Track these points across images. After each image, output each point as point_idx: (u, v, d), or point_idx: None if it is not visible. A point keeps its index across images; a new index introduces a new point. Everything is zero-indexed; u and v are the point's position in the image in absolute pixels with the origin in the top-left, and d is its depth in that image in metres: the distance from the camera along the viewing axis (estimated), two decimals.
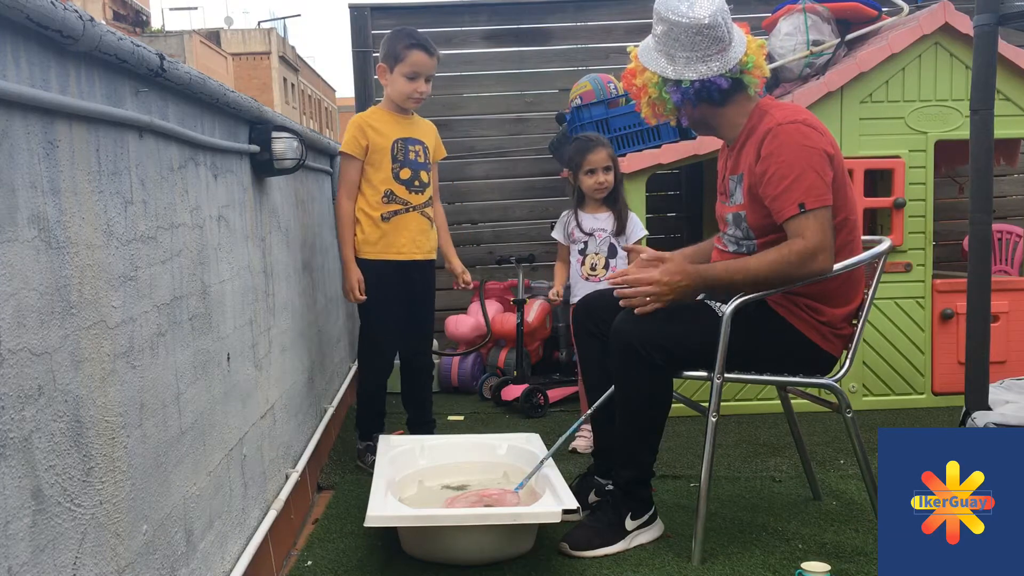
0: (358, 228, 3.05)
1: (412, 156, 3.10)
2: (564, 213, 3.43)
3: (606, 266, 3.28)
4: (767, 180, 2.22)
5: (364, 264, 3.06)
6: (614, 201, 3.29)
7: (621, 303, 2.28)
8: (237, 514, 2.02)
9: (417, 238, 3.11)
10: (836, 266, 2.26)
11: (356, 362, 3.24)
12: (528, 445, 2.80)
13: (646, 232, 3.33)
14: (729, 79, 2.27)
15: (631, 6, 5.04)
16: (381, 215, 3.04)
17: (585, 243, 3.31)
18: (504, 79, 5.15)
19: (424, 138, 3.15)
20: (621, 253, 3.27)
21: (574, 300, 3.34)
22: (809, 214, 2.18)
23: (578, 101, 3.99)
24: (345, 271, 3.07)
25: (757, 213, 2.30)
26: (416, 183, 3.10)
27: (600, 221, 3.29)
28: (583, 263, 3.32)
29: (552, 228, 4.27)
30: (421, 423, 3.29)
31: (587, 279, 3.31)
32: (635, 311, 2.27)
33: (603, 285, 3.16)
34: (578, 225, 3.33)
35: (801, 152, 2.20)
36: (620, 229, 3.26)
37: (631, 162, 3.73)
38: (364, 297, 3.06)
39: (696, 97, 2.30)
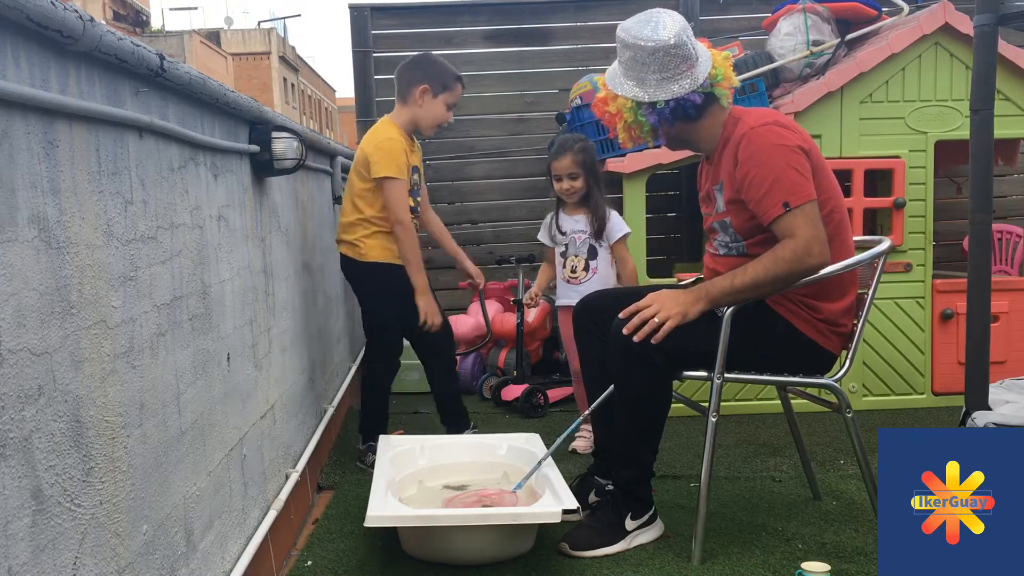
0: (384, 238, 3.05)
1: (417, 186, 3.18)
2: (548, 215, 3.40)
3: (586, 268, 3.26)
4: (748, 185, 2.24)
5: (397, 269, 3.06)
6: (589, 203, 3.26)
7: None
8: (237, 514, 2.02)
9: None
10: (835, 266, 2.27)
11: (362, 365, 3.21)
12: (528, 445, 2.80)
13: (628, 230, 3.27)
14: (701, 94, 2.31)
15: (632, 6, 5.03)
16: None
17: (566, 245, 3.31)
18: (504, 79, 5.15)
19: (420, 163, 3.23)
20: (602, 254, 3.25)
21: (559, 303, 3.34)
22: (795, 211, 2.19)
23: (578, 101, 3.99)
24: (426, 299, 3.04)
25: (740, 217, 2.32)
26: (416, 207, 3.18)
27: (579, 223, 3.28)
28: (564, 265, 3.32)
29: None
30: (459, 414, 3.27)
31: (568, 282, 3.30)
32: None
33: (585, 288, 3.14)
34: (558, 227, 3.32)
35: (777, 152, 2.22)
36: (599, 231, 3.24)
37: (631, 162, 3.73)
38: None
39: (672, 116, 2.32)
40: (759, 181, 2.22)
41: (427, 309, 3.05)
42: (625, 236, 3.24)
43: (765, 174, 2.22)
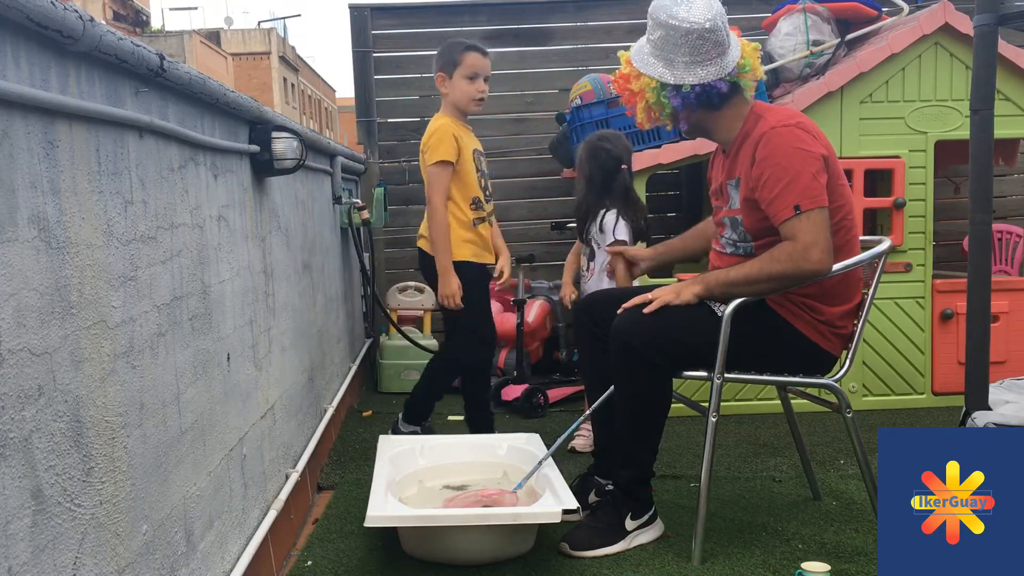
0: (452, 234, 3.05)
1: (485, 167, 3.20)
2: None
3: (587, 267, 3.31)
4: (763, 184, 2.23)
5: (466, 266, 3.08)
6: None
7: (623, 308, 2.30)
8: (237, 514, 2.02)
9: (488, 244, 3.21)
10: (836, 266, 2.26)
11: (450, 355, 3.24)
12: (528, 445, 2.80)
13: (619, 237, 3.23)
14: (728, 82, 2.28)
15: (631, 6, 5.04)
16: (472, 220, 3.10)
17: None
18: (504, 79, 5.13)
19: (480, 147, 3.24)
20: (599, 256, 3.26)
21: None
22: (803, 215, 2.18)
23: (578, 101, 3.99)
24: (446, 278, 3.04)
25: (752, 216, 2.31)
26: (488, 192, 3.20)
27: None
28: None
29: (552, 228, 4.26)
30: (484, 416, 3.29)
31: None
32: (643, 312, 2.29)
33: (589, 285, 3.22)
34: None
35: (795, 155, 2.21)
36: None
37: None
38: (462, 304, 3.06)
39: (696, 101, 2.29)
40: (773, 182, 2.21)
41: (447, 290, 3.04)
42: (614, 242, 3.16)
43: (780, 175, 2.20)
